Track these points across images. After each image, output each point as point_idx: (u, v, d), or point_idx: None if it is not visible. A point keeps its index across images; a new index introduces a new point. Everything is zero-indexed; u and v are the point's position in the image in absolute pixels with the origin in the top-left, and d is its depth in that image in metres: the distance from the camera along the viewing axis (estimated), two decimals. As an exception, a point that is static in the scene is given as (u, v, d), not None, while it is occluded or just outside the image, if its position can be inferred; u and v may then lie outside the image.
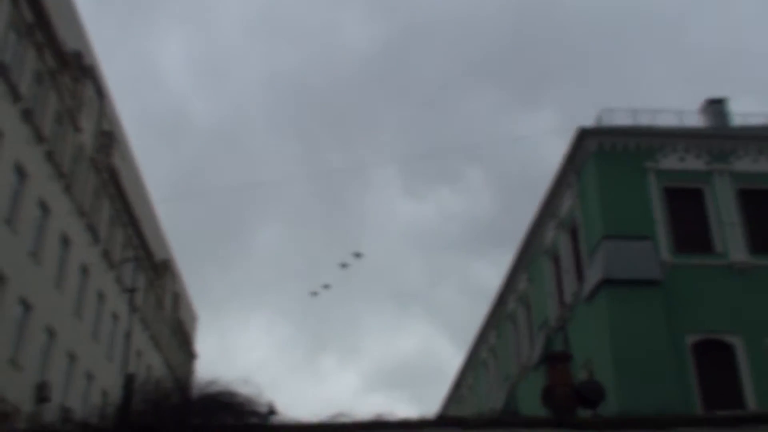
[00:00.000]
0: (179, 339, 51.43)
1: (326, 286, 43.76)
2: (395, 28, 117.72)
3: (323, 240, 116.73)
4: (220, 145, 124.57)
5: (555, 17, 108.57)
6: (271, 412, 10.71)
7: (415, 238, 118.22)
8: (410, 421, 9.93)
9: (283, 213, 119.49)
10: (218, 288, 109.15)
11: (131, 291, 33.60)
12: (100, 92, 33.15)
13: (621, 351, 22.55)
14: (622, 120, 27.16)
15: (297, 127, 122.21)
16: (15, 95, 24.20)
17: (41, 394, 25.34)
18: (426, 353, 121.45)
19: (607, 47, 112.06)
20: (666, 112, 27.72)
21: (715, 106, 30.11)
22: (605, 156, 26.22)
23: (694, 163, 26.43)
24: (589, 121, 27.38)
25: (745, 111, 34.39)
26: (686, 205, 25.85)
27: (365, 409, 9.91)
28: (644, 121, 27.28)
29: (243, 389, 10.63)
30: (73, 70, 29.31)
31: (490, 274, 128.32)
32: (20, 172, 25.07)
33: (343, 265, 41.52)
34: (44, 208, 27.11)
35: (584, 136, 26.48)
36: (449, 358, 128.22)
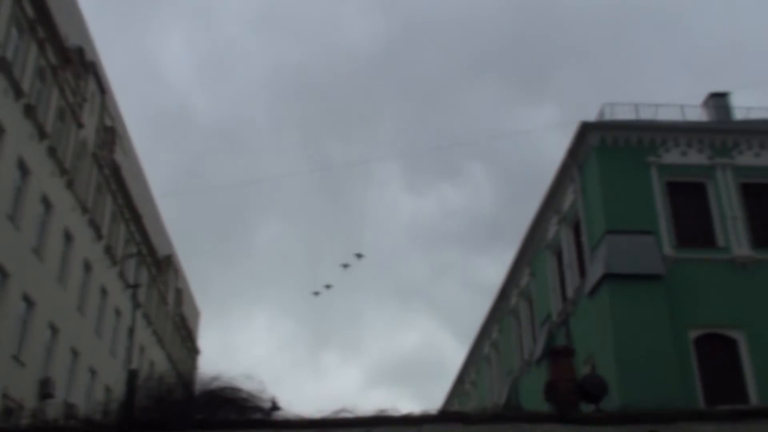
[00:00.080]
0: (182, 335, 51.56)
1: (328, 286, 43.71)
2: (397, 23, 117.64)
3: (325, 236, 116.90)
4: (222, 140, 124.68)
5: (557, 11, 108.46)
6: (274, 407, 10.72)
7: (417, 234, 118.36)
8: (412, 416, 9.90)
9: (285, 208, 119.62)
10: (221, 284, 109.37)
11: (134, 287, 33.66)
12: (102, 88, 33.18)
13: (623, 346, 22.50)
14: (624, 114, 27.08)
15: (299, 122, 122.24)
16: (17, 91, 24.21)
17: (44, 390, 25.42)
18: (428, 348, 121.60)
19: (609, 41, 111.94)
20: (668, 107, 27.66)
21: (718, 100, 30.04)
22: (607, 150, 26.16)
23: (696, 157, 26.36)
24: (591, 116, 27.36)
25: (747, 105, 34.17)
26: (689, 200, 25.78)
27: (368, 405, 9.86)
28: (646, 115, 27.21)
29: (246, 385, 10.64)
30: (75, 66, 29.33)
31: (493, 269, 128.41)
32: (22, 168, 25.10)
33: (345, 266, 41.47)
34: (47, 204, 27.15)
35: (586, 130, 26.41)
36: (451, 354, 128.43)
